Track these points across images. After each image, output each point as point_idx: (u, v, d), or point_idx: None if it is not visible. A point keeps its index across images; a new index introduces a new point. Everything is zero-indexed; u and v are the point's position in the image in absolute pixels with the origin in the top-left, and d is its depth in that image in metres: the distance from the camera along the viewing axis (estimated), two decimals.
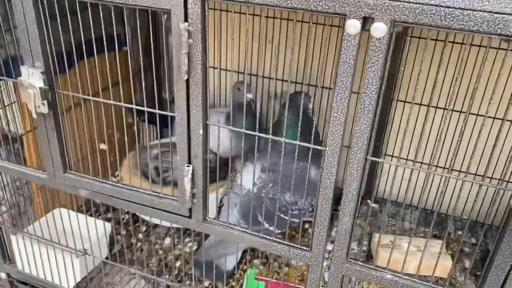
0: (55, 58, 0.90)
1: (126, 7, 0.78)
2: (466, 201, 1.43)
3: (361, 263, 0.84)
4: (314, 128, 0.79)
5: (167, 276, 1.29)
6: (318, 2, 0.65)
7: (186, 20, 0.74)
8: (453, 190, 1.42)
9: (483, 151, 1.29)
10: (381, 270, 0.82)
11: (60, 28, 0.85)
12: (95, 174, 0.99)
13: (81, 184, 0.99)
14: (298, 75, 1.47)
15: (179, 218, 0.93)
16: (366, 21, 0.65)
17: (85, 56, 0.93)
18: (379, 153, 1.46)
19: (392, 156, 1.50)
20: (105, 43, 0.92)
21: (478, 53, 1.20)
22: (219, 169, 0.92)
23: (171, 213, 0.93)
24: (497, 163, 1.33)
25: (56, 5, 0.84)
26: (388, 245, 1.26)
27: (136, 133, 1.00)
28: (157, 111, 0.85)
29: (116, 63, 0.92)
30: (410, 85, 1.35)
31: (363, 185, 1.49)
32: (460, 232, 1.44)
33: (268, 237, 0.88)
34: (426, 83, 1.33)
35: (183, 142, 0.84)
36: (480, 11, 0.58)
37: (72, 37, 0.88)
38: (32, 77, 0.89)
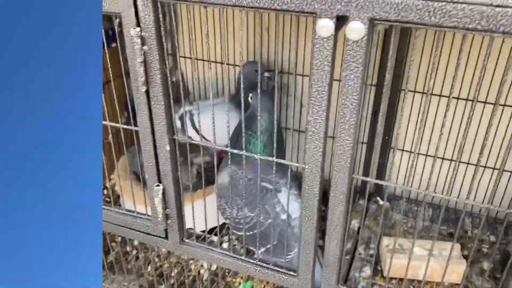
0: None
1: None
2: (484, 197, 1.31)
3: None
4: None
5: (162, 286, 1.22)
6: (283, 0, 0.54)
7: (138, 25, 0.64)
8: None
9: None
10: None
11: None
12: None
13: None
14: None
15: (155, 239, 0.85)
16: (342, 20, 0.54)
17: None
18: (388, 147, 1.34)
19: (402, 150, 1.38)
20: None
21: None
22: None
23: (147, 233, 0.85)
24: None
25: None
26: (398, 250, 1.16)
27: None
28: (120, 125, 0.76)
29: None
30: (419, 74, 1.22)
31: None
32: (476, 231, 1.32)
33: (251, 261, 0.79)
34: (436, 73, 1.19)
35: (150, 160, 0.75)
36: (478, 4, 0.46)
37: None
38: None
